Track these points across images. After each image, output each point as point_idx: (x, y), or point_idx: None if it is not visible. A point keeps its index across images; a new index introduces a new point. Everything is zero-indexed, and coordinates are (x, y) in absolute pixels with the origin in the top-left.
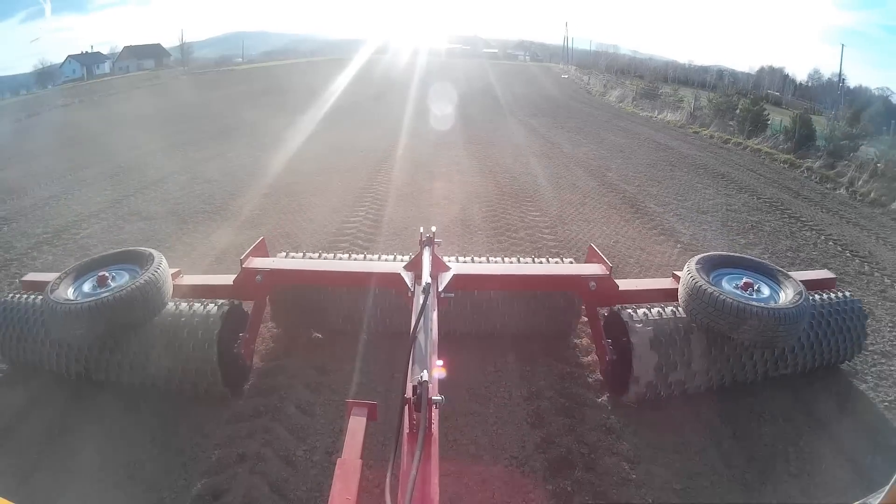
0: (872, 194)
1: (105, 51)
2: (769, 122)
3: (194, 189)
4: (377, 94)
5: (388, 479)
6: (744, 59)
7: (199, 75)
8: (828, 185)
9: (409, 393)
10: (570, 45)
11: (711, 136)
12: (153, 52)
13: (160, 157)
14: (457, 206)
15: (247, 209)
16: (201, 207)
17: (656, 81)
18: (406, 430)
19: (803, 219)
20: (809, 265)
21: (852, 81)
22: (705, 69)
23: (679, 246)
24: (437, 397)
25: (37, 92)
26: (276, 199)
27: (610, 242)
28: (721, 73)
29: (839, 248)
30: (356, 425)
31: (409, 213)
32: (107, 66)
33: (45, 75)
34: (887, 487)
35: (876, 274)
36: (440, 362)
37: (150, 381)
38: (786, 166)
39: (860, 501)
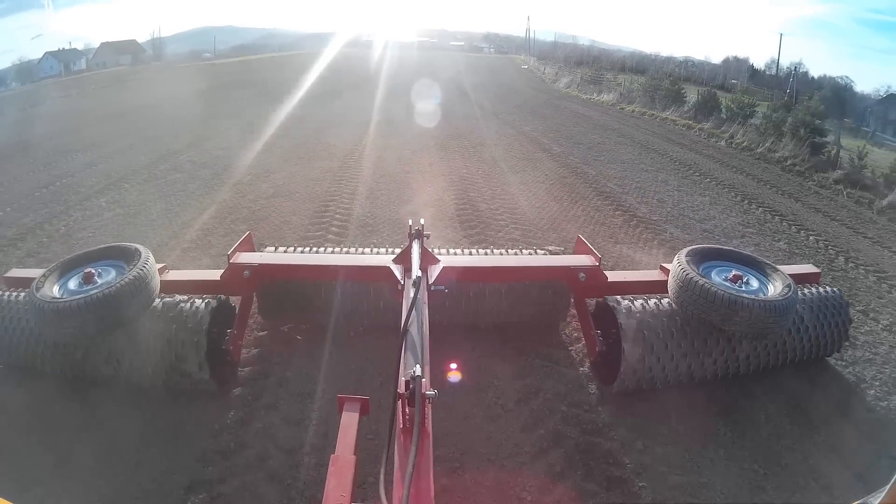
0: (745, 143)
1: (79, 47)
2: (685, 99)
3: (245, 137)
4: (357, 81)
5: (381, 475)
6: (715, 51)
7: (181, 69)
8: (712, 140)
9: (401, 388)
10: (532, 37)
11: (633, 111)
12: (129, 48)
13: (198, 126)
14: (421, 140)
15: (278, 140)
16: (255, 143)
17: (602, 69)
18: (399, 425)
19: (660, 151)
20: (644, 169)
21: (818, 71)
22: (670, 59)
23: (548, 154)
24: (430, 392)
25: (17, 87)
26: (304, 122)
27: (507, 153)
28: (683, 63)
29: (676, 164)
30: (349, 421)
31: (392, 143)
32: (83, 63)
33: (23, 72)
34: (888, 487)
35: (696, 176)
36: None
37: (137, 378)
38: (683, 128)
39: (860, 501)
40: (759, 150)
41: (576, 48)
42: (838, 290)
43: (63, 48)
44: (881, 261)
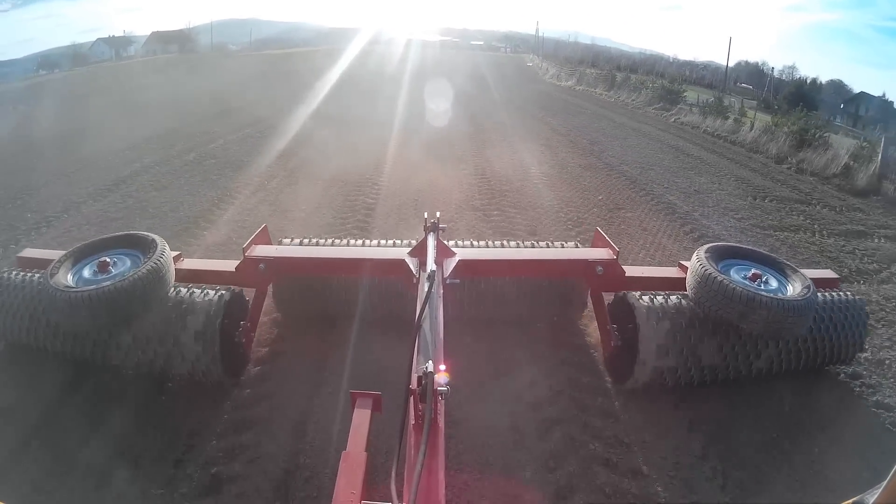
0: (623, 99)
1: (102, 35)
2: (617, 81)
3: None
4: (392, 71)
5: (393, 472)
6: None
7: (243, 58)
8: (609, 99)
9: (413, 384)
10: (542, 37)
11: (579, 89)
12: (178, 38)
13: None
14: (440, 98)
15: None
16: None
17: (582, 65)
18: (412, 421)
19: (561, 98)
20: (540, 104)
21: (825, 76)
22: (689, 63)
23: (508, 101)
24: (442, 388)
25: (76, 69)
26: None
27: (493, 97)
28: (693, 66)
29: (565, 102)
30: (361, 417)
31: (425, 89)
32: (132, 50)
33: (79, 57)
34: (884, 484)
35: (569, 107)
36: (443, 366)
37: (149, 367)
38: (599, 95)
39: (856, 498)
40: (628, 102)
41: (577, 48)
42: (858, 296)
43: (113, 35)
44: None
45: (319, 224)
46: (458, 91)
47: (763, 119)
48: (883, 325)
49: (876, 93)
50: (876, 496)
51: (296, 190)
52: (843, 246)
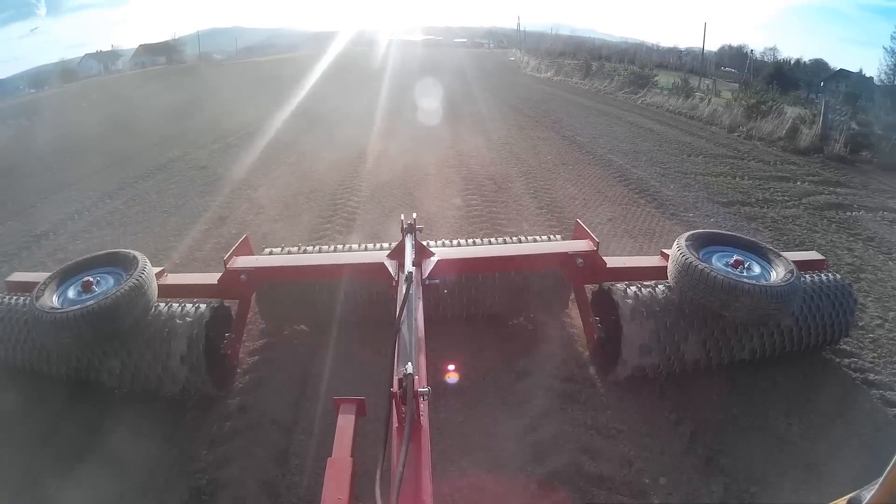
0: (596, 86)
1: (88, 51)
2: (592, 70)
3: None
4: (375, 70)
5: (377, 476)
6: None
7: (228, 67)
8: (582, 87)
9: (395, 387)
10: (524, 32)
11: (556, 79)
12: (165, 50)
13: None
14: (420, 92)
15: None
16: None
17: (562, 57)
18: (395, 424)
19: (556, 94)
20: (515, 93)
21: (811, 56)
22: (672, 50)
23: (484, 88)
24: (423, 389)
25: (66, 85)
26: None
27: (472, 86)
28: (675, 53)
29: (538, 91)
30: (345, 423)
31: (407, 84)
32: (120, 63)
33: (68, 72)
34: (880, 479)
35: (544, 94)
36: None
37: (136, 384)
38: (573, 83)
39: (852, 494)
40: (601, 88)
41: (558, 40)
42: (842, 278)
43: (101, 50)
44: (607, 107)
45: (334, 179)
46: (438, 86)
47: (726, 96)
48: (769, 230)
49: (856, 70)
50: (873, 492)
51: (310, 164)
52: (759, 185)
